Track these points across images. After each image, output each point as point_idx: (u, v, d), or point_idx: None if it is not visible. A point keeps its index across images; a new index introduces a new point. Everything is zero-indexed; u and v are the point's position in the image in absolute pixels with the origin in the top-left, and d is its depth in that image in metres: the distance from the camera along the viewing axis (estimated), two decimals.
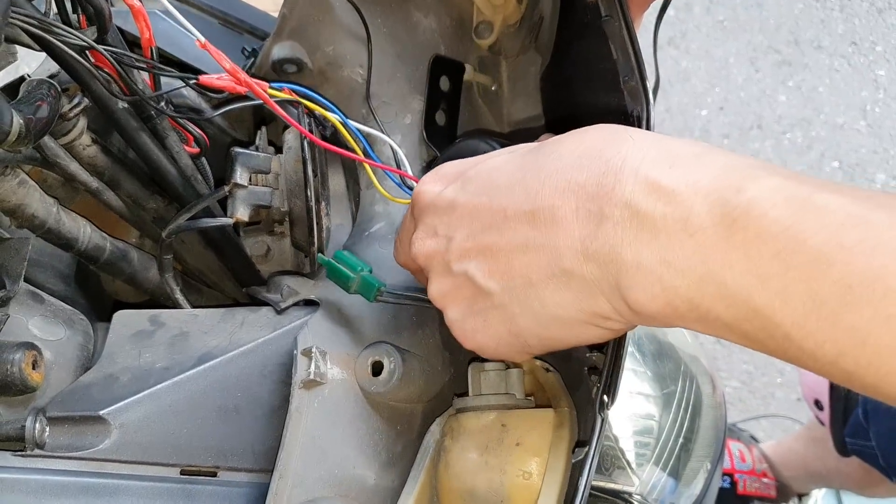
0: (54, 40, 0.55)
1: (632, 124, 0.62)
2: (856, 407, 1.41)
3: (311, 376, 0.61)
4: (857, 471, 1.62)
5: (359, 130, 0.67)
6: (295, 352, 0.63)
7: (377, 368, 0.65)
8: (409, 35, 0.75)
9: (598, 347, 0.63)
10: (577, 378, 0.66)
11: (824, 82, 2.87)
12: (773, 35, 2.94)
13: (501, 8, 0.73)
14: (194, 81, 0.59)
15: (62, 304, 0.67)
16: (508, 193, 0.51)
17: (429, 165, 0.75)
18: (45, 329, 0.65)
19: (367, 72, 0.74)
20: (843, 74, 2.89)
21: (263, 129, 0.82)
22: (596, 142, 0.49)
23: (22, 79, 0.71)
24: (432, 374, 0.68)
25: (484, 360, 0.68)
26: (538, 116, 0.77)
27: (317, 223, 0.70)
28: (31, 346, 0.61)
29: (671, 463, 1.07)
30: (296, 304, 0.71)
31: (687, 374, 1.15)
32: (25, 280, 0.68)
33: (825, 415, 1.54)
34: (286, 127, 0.79)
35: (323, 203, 0.72)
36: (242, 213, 0.70)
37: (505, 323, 0.53)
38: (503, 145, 0.65)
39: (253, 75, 0.67)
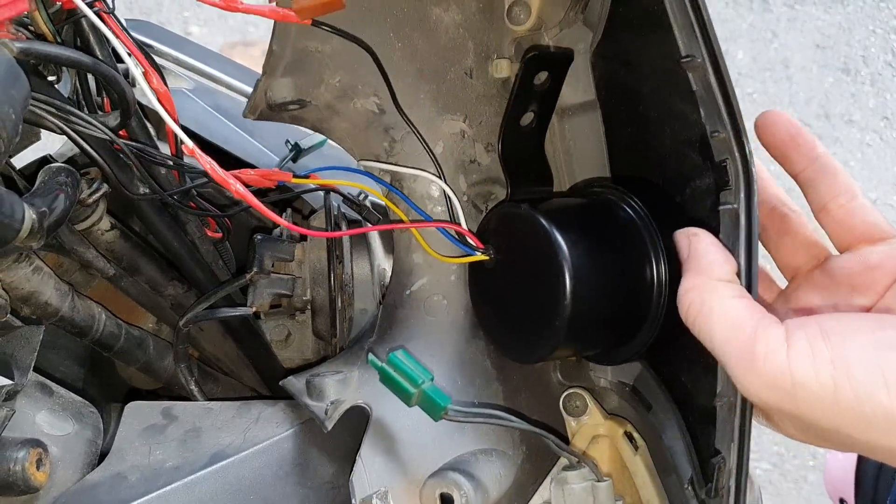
0: (71, 130, 0.53)
1: (717, 165, 0.52)
2: None
3: None
4: None
5: (396, 174, 0.61)
6: (353, 501, 0.58)
7: (447, 502, 0.58)
8: (429, 42, 0.63)
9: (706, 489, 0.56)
10: (669, 465, 0.60)
11: (856, 157, 2.84)
12: (804, 109, 2.92)
13: None
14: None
15: (72, 395, 0.65)
16: None
17: (483, 224, 0.64)
18: (52, 423, 0.62)
19: (379, 102, 0.64)
20: (875, 149, 2.86)
21: (289, 210, 0.80)
22: None
23: (44, 159, 0.70)
24: (505, 466, 0.63)
25: (566, 470, 0.62)
26: (590, 103, 0.63)
27: (339, 315, 0.67)
28: (36, 444, 0.58)
29: None
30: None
31: None
32: (37, 363, 0.65)
33: None
34: (312, 211, 0.77)
35: (346, 292, 0.70)
36: (263, 302, 0.68)
37: None
38: (563, 225, 0.56)
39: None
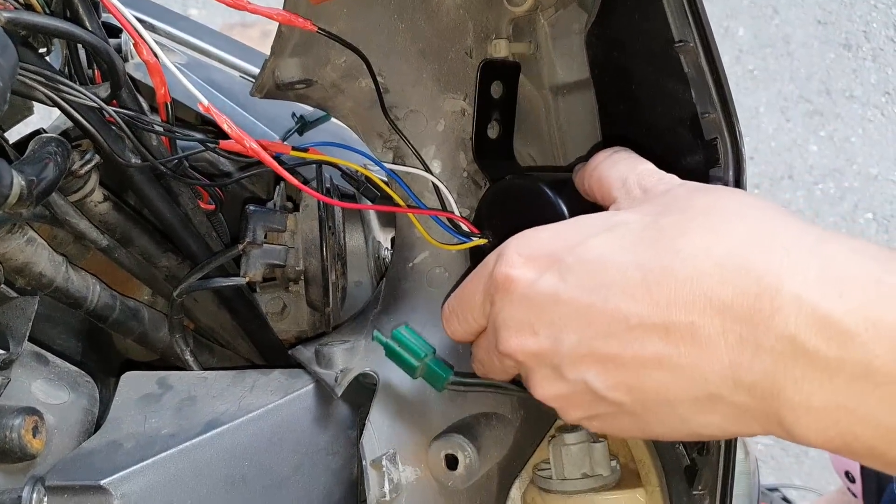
0: (60, 100, 0.53)
1: (708, 143, 0.56)
2: (890, 482, 1.35)
3: (387, 497, 0.59)
4: None
5: (394, 172, 0.64)
6: (364, 462, 0.60)
7: (452, 462, 0.61)
8: (431, 23, 0.66)
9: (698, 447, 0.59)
10: None
11: (857, 132, 2.83)
12: (804, 85, 2.92)
13: None
14: (215, 146, 0.57)
15: (68, 365, 0.65)
16: (628, 297, 0.45)
17: (478, 209, 0.66)
18: (48, 392, 0.63)
19: (384, 82, 0.66)
20: (876, 125, 2.85)
21: (282, 184, 0.80)
22: (736, 244, 0.43)
23: (36, 132, 0.70)
24: (504, 429, 0.65)
25: (564, 432, 0.65)
26: (584, 81, 0.66)
27: (332, 284, 0.68)
28: (32, 412, 0.59)
29: None
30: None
31: None
32: (33, 336, 0.66)
33: (857, 487, 1.48)
34: (305, 183, 0.78)
35: (339, 262, 0.70)
36: (256, 272, 0.68)
37: (636, 425, 0.49)
38: (555, 187, 0.59)
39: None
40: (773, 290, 0.41)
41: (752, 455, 1.15)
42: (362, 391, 0.65)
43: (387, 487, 0.58)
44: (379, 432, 0.61)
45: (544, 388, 0.50)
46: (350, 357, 0.65)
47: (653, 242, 0.46)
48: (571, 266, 0.48)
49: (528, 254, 0.51)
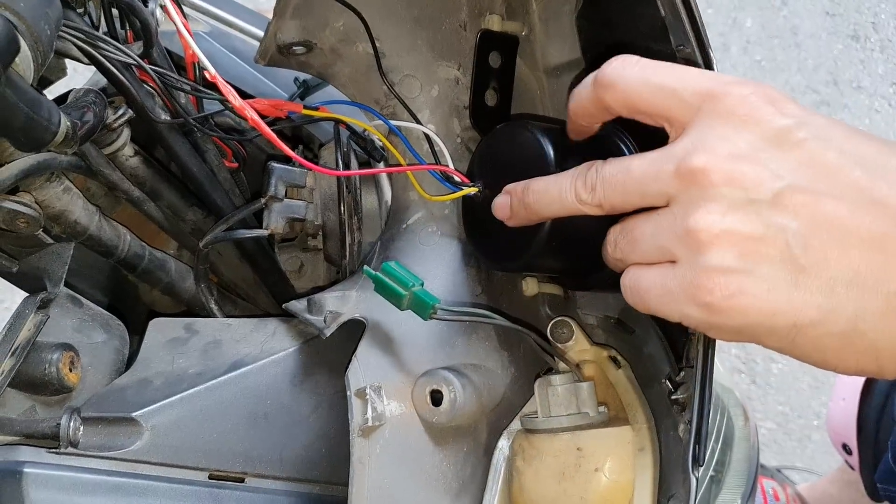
0: (99, 55, 0.57)
1: None
2: (885, 452, 1.37)
3: (370, 423, 0.59)
4: None
5: (395, 126, 0.66)
6: (348, 392, 0.61)
7: (436, 397, 0.62)
8: None
9: (679, 360, 0.61)
10: (650, 375, 0.64)
11: (864, 123, 2.85)
12: (812, 75, 2.93)
13: None
14: (231, 108, 0.61)
15: (100, 309, 0.69)
16: (875, 170, 0.42)
17: (471, 162, 0.67)
18: (82, 332, 0.67)
19: (380, 46, 0.67)
20: (883, 115, 2.87)
21: (300, 147, 0.84)
22: None
23: (68, 92, 0.74)
24: (493, 381, 0.66)
25: (549, 373, 0.65)
26: (577, 61, 0.67)
27: (349, 237, 0.71)
28: (68, 348, 0.63)
29: (700, 495, 1.06)
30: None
31: (718, 405, 1.14)
32: (66, 286, 0.70)
33: (854, 459, 1.50)
34: (322, 143, 0.81)
35: (355, 217, 0.74)
36: (277, 225, 0.72)
37: (789, 306, 0.43)
38: (548, 133, 0.60)
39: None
40: None
41: (752, 423, 1.18)
42: None
43: (370, 414, 0.59)
44: (365, 368, 0.62)
45: (716, 216, 0.44)
46: (341, 304, 0.67)
47: None
48: (822, 125, 0.45)
49: (774, 97, 0.46)
